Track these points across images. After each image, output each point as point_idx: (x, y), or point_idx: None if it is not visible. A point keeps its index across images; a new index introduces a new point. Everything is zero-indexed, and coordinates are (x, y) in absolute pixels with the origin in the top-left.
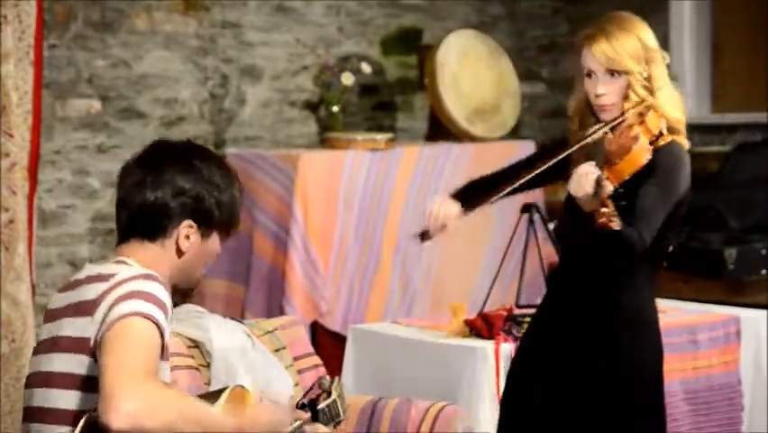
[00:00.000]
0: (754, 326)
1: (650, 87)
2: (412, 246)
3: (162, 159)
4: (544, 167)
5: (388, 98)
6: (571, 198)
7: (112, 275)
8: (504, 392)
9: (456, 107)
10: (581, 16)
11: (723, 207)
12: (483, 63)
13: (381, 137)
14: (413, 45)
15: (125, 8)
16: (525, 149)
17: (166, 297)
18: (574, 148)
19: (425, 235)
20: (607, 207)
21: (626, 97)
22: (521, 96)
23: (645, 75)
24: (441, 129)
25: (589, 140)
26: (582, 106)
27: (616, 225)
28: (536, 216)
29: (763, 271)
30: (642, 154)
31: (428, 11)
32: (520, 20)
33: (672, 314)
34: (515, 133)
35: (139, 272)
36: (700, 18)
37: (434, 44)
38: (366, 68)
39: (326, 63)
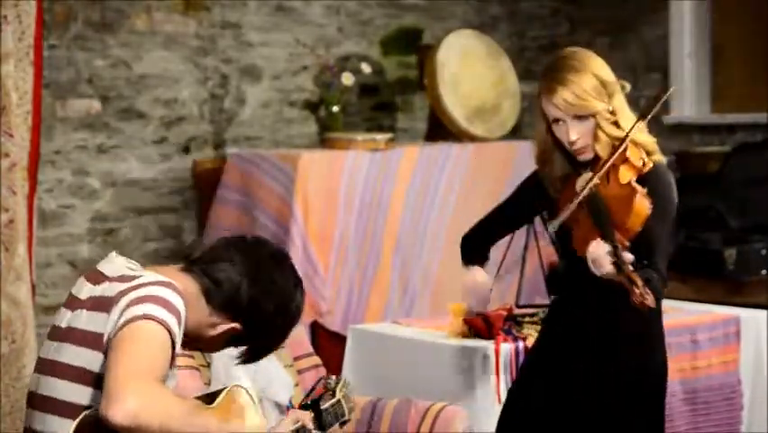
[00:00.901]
0: (754, 326)
1: (617, 121)
2: (412, 246)
3: (277, 268)
4: (562, 218)
5: (388, 98)
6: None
7: (134, 277)
8: (507, 396)
9: (456, 107)
10: (581, 16)
11: (723, 207)
12: (483, 63)
13: (381, 137)
14: (413, 45)
15: (125, 8)
16: (525, 149)
17: (181, 305)
18: (576, 201)
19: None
20: (635, 283)
21: (595, 138)
22: (521, 96)
23: (610, 109)
24: (441, 129)
25: (584, 194)
26: (549, 148)
27: (650, 302)
28: (536, 217)
29: (763, 272)
30: (644, 204)
31: (428, 11)
32: (520, 20)
33: (672, 314)
34: (515, 133)
35: (159, 279)
36: (700, 18)
37: (434, 44)
38: (366, 68)
39: (326, 63)
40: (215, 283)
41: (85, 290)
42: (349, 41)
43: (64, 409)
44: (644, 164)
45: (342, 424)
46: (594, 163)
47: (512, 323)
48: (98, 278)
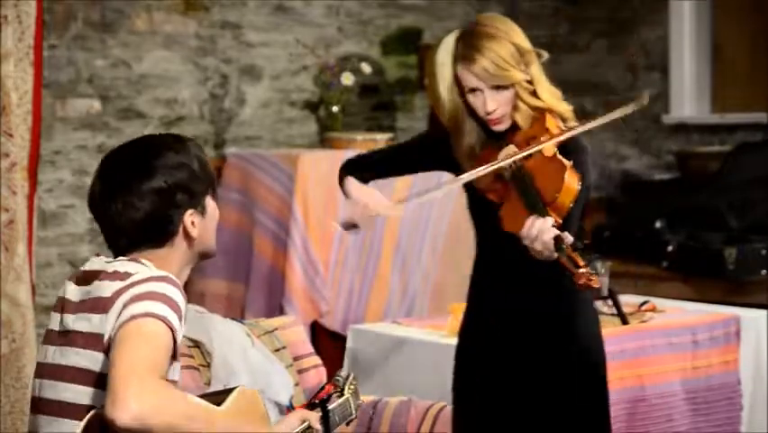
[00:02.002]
0: (754, 326)
1: (534, 91)
2: (412, 246)
3: (129, 173)
4: (465, 179)
5: (388, 98)
6: (476, 199)
7: (128, 274)
8: (454, 391)
9: None
10: (581, 16)
11: (723, 207)
12: None
13: (381, 137)
14: (413, 45)
15: (125, 8)
16: None
17: (180, 299)
18: (490, 168)
19: (350, 226)
20: (579, 264)
21: (515, 108)
22: None
23: (528, 79)
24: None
25: (501, 164)
26: (461, 116)
27: (596, 282)
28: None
29: (763, 272)
30: (574, 179)
31: (428, 11)
32: (520, 20)
33: (672, 314)
34: None
35: (154, 274)
36: (700, 18)
37: (434, 44)
38: (366, 68)
39: (326, 63)
40: (148, 234)
41: (75, 292)
42: (349, 41)
43: (72, 411)
44: (561, 132)
45: (349, 423)
46: (510, 133)
47: None
48: (86, 278)
